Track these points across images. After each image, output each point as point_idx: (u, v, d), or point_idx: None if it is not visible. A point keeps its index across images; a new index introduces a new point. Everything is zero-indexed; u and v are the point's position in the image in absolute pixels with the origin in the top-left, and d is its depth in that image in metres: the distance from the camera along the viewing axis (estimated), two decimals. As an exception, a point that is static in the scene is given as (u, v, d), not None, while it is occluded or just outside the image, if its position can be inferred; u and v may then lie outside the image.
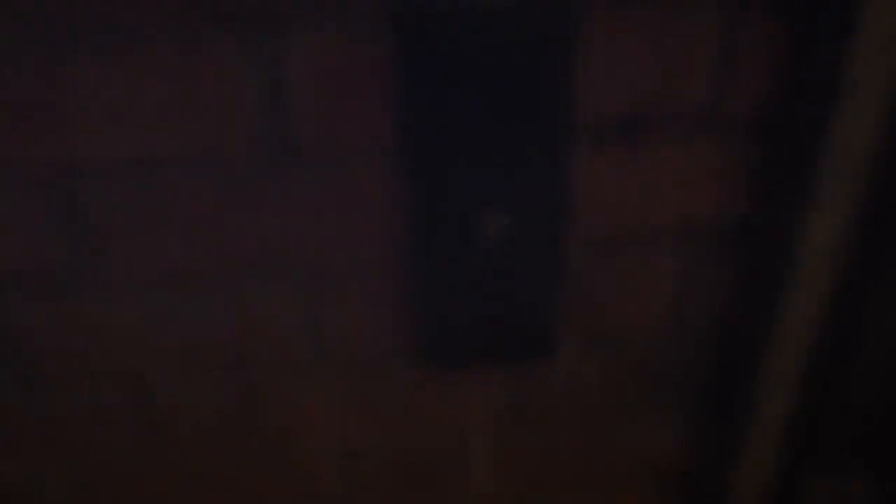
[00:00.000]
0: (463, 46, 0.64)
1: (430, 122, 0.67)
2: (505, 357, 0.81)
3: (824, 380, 1.32)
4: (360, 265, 0.76)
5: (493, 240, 0.73)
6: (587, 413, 0.89)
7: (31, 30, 0.61)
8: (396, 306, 0.79)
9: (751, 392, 0.85)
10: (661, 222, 0.77)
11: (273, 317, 0.78)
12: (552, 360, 0.83)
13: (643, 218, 0.77)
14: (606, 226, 0.77)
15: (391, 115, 0.68)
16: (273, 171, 0.70)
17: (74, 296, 0.75)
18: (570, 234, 0.77)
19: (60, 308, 0.76)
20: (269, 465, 0.89)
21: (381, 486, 0.93)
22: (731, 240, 0.80)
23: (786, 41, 0.70)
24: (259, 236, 0.73)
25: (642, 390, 0.88)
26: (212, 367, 0.81)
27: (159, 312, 0.77)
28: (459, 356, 0.81)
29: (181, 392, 0.82)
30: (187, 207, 0.71)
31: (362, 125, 0.68)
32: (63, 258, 0.73)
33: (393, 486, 0.93)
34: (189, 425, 0.85)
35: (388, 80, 0.66)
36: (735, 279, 0.82)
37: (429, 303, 0.77)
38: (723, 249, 0.80)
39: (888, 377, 1.43)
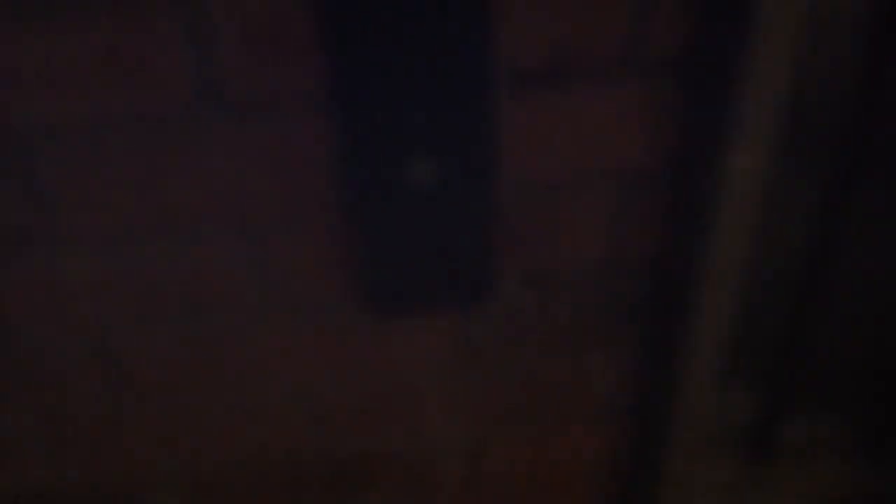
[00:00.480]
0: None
1: (355, 70, 0.70)
2: (444, 299, 0.84)
3: (793, 323, 1.37)
4: (301, 213, 0.79)
5: (423, 184, 0.76)
6: (532, 352, 0.93)
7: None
8: (338, 253, 0.82)
9: (684, 328, 0.89)
10: (591, 165, 0.80)
11: (222, 266, 0.81)
12: (492, 301, 0.87)
13: (573, 160, 0.80)
14: (537, 169, 0.80)
15: (319, 64, 0.70)
16: (209, 125, 0.72)
17: (30, 255, 0.79)
18: (499, 177, 0.79)
19: (17, 267, 0.79)
20: (230, 409, 0.94)
21: (342, 427, 0.97)
22: (662, 179, 0.82)
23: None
24: (203, 189, 0.76)
25: (585, 328, 0.92)
26: (168, 317, 0.84)
27: (113, 266, 0.80)
28: (401, 300, 0.84)
29: (139, 342, 0.86)
30: (132, 165, 0.74)
31: (291, 75, 0.70)
32: (18, 218, 0.76)
33: (354, 427, 0.97)
34: (149, 373, 0.89)
35: (313, 28, 0.68)
36: (667, 217, 0.85)
37: (366, 249, 0.80)
38: (654, 189, 0.83)
39: (856, 321, 1.47)
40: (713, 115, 0.77)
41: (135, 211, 0.77)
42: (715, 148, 0.78)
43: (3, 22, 0.64)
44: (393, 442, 0.99)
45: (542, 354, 0.93)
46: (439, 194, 0.77)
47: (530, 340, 0.92)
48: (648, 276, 0.89)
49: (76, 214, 0.76)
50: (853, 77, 1.00)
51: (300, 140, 0.75)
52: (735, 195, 0.80)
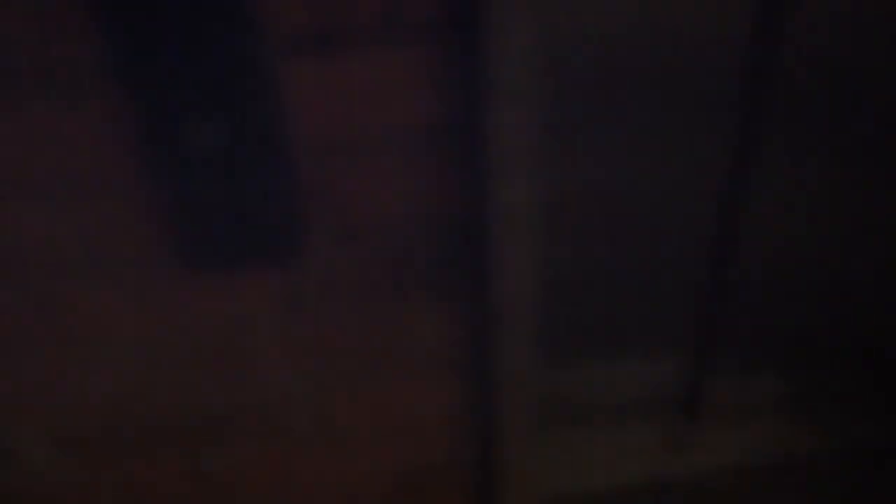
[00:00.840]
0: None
1: (133, 40, 0.75)
2: (257, 255, 0.91)
3: (717, 280, 1.41)
4: (117, 177, 0.85)
5: (214, 146, 0.82)
6: (356, 306, 0.98)
7: None
8: (154, 215, 0.89)
9: (489, 283, 0.94)
10: (382, 123, 0.84)
11: (48, 231, 0.88)
12: (303, 257, 0.93)
13: (364, 120, 0.84)
14: (332, 129, 0.84)
15: (102, 36, 0.76)
16: (17, 98, 0.79)
17: None
18: (290, 140, 0.85)
19: None
20: (75, 366, 1.01)
21: (187, 381, 1.04)
22: (450, 135, 0.88)
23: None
24: (16, 160, 0.83)
25: (403, 282, 0.97)
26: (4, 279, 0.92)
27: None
28: (217, 257, 0.90)
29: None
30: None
31: (77, 49, 0.77)
32: None
33: (198, 381, 1.04)
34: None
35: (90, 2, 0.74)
36: (462, 172, 0.91)
37: (174, 211, 0.87)
38: (448, 145, 0.89)
39: (783, 282, 1.51)
40: (482, 75, 0.83)
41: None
42: (486, 105, 0.84)
43: None
44: (237, 395, 1.05)
45: (365, 309, 0.98)
46: (231, 156, 0.83)
47: (351, 295, 0.97)
48: (458, 230, 0.95)
49: None
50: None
51: (103, 108, 0.81)
52: (506, 151, 0.85)
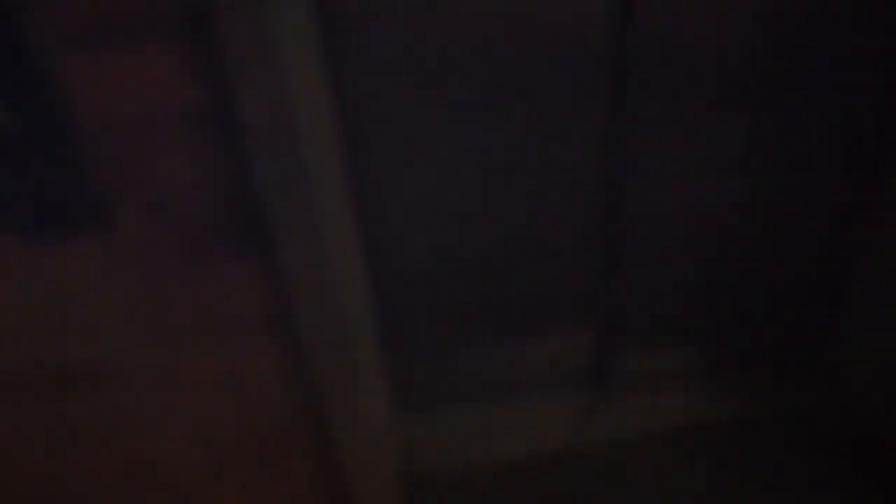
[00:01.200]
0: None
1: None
2: (64, 229, 0.99)
3: (611, 254, 1.43)
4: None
5: (7, 130, 0.91)
6: (169, 272, 1.03)
7: None
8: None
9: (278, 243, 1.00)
10: (167, 107, 0.91)
11: None
12: (119, 227, 1.01)
13: (149, 105, 0.91)
14: (115, 115, 0.89)
15: None
16: None
17: None
18: (78, 123, 0.93)
19: None
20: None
21: (31, 346, 1.10)
22: (226, 116, 0.93)
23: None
24: None
25: (208, 248, 1.02)
26: None
27: None
28: (35, 227, 1.00)
29: None
30: None
31: None
32: None
33: (41, 343, 1.09)
34: None
35: None
36: (242, 148, 0.95)
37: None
38: (227, 125, 0.92)
39: (687, 251, 1.51)
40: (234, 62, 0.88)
41: None
42: (237, 89, 0.89)
43: None
44: (73, 352, 1.08)
45: (176, 274, 1.02)
46: (21, 142, 0.92)
47: (162, 261, 1.03)
48: (251, 198, 0.99)
49: None
50: None
51: None
52: (258, 127, 0.89)
